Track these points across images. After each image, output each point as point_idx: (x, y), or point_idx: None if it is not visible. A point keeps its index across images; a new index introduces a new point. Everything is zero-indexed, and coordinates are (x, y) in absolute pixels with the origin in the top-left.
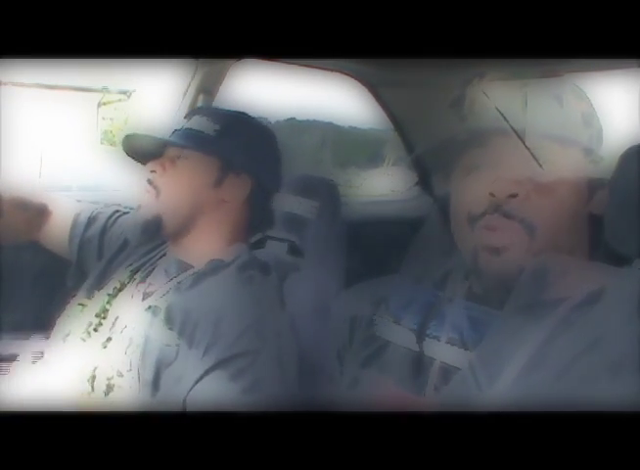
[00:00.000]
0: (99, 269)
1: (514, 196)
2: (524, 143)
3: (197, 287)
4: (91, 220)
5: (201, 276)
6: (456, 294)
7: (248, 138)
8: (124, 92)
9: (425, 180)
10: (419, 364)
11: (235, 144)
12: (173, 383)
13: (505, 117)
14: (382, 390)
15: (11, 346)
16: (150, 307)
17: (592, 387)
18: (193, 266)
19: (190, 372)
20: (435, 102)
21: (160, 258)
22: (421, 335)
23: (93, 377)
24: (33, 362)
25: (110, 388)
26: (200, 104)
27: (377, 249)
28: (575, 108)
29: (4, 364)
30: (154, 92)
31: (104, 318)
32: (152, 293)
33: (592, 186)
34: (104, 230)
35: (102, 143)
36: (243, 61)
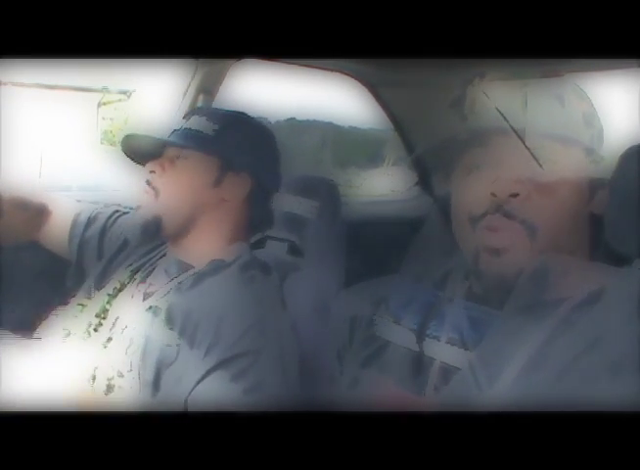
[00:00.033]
0: (99, 269)
1: (515, 195)
2: (524, 143)
3: (198, 287)
4: (91, 220)
5: (201, 276)
6: (456, 294)
7: (246, 137)
8: (124, 92)
9: (425, 180)
10: (419, 364)
11: (234, 143)
12: (174, 383)
13: (505, 118)
14: (382, 390)
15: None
16: (150, 308)
17: (592, 387)
18: (193, 266)
19: (191, 372)
20: (436, 102)
21: (161, 258)
22: (421, 335)
23: (93, 377)
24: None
25: (110, 388)
26: (200, 104)
27: (377, 249)
28: (577, 107)
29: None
30: (154, 92)
31: (104, 318)
32: (152, 293)
33: (593, 186)
34: (104, 230)
35: (102, 143)
36: (243, 61)
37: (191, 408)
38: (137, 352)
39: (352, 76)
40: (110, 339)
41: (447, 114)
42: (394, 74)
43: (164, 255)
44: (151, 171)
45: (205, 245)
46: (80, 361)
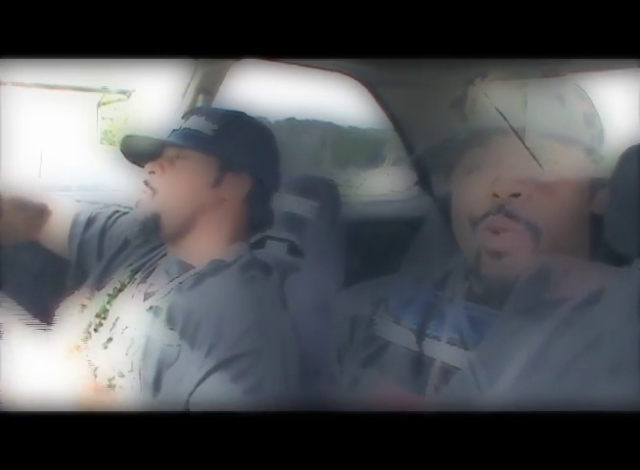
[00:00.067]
0: (99, 269)
1: (517, 195)
2: (524, 143)
3: (198, 287)
4: (91, 220)
5: (202, 276)
6: (456, 294)
7: (246, 137)
8: (124, 92)
9: (425, 180)
10: (419, 364)
11: (233, 143)
12: (175, 383)
13: (506, 118)
14: (382, 390)
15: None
16: (151, 308)
17: (592, 387)
18: (194, 267)
19: (192, 372)
20: (436, 102)
21: (161, 258)
22: (421, 335)
23: (94, 377)
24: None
25: (111, 388)
26: (199, 104)
27: (377, 249)
28: (577, 107)
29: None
30: (154, 92)
31: (104, 319)
32: (153, 293)
33: (593, 186)
34: (104, 230)
35: (102, 143)
36: (243, 61)
37: (192, 408)
38: (138, 353)
39: (352, 76)
40: (110, 339)
41: (448, 114)
42: (394, 74)
43: (165, 255)
44: (150, 172)
45: (206, 245)
46: (81, 361)
